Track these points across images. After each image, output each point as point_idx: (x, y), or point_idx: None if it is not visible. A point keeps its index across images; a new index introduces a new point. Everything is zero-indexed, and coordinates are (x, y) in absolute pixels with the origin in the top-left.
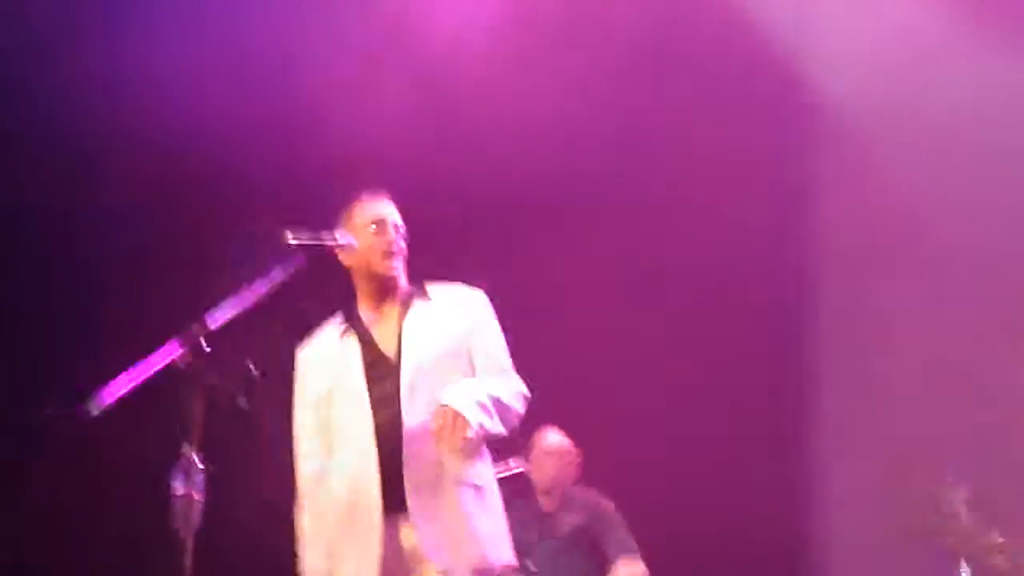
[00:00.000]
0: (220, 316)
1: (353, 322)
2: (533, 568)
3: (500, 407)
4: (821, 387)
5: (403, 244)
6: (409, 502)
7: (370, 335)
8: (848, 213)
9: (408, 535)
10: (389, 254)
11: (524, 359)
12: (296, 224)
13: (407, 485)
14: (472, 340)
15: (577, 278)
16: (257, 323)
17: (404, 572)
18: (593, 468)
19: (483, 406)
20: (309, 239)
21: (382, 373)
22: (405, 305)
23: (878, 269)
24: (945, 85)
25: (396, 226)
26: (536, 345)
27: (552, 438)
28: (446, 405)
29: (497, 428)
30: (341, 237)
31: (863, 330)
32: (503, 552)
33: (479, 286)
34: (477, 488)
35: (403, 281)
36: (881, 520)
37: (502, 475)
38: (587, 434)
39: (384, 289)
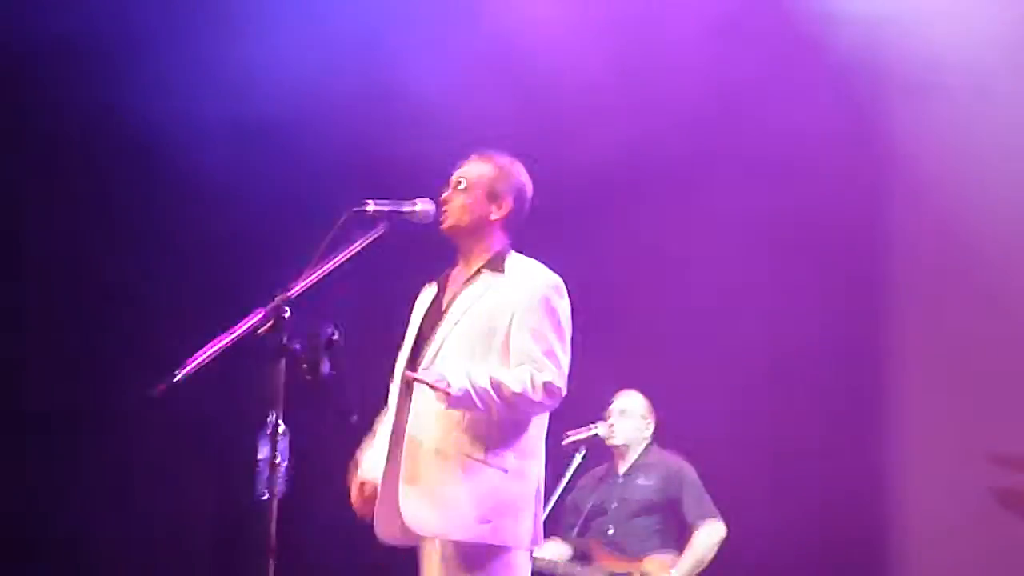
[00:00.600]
0: (302, 284)
1: (441, 277)
2: (611, 531)
3: (500, 392)
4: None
5: (461, 199)
6: (403, 466)
7: (441, 294)
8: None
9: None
10: (440, 211)
11: (615, 325)
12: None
13: (405, 448)
14: (513, 325)
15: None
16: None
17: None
18: (674, 432)
19: (476, 386)
20: (389, 207)
21: (426, 335)
22: (475, 275)
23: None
24: None
25: (456, 181)
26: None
27: (627, 400)
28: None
29: (490, 408)
30: (420, 204)
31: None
32: (495, 532)
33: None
34: (482, 466)
35: (486, 244)
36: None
37: (578, 438)
38: (668, 399)
39: (464, 250)
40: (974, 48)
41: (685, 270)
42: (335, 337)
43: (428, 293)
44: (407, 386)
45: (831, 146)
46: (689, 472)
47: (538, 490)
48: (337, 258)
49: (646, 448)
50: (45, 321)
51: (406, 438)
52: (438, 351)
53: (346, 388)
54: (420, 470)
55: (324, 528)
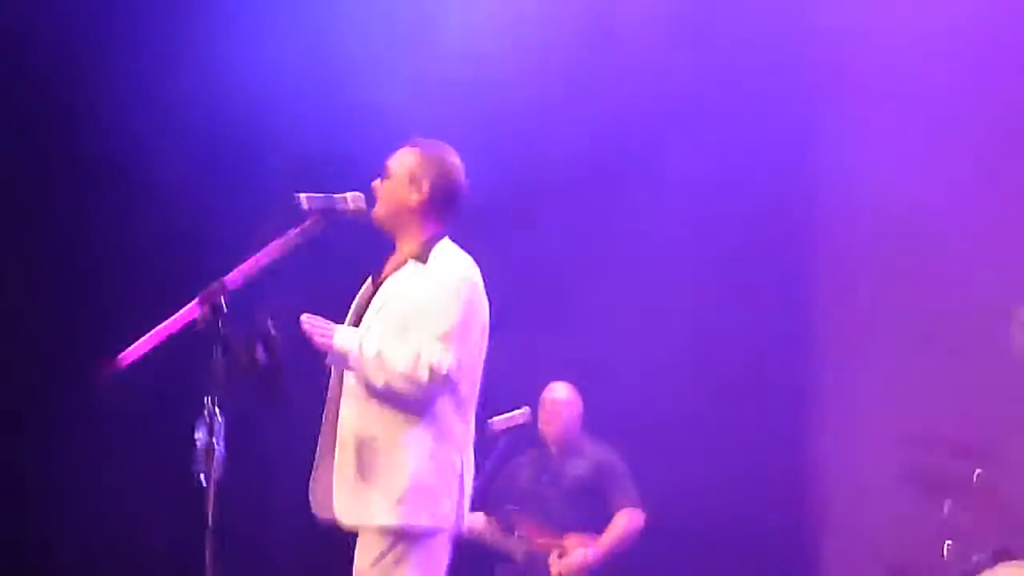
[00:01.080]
0: (239, 274)
1: (377, 269)
2: (539, 509)
3: (383, 363)
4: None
5: (389, 185)
6: (335, 455)
7: (372, 285)
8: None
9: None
10: (374, 214)
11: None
12: None
13: (332, 438)
14: (423, 309)
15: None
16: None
17: None
18: (598, 419)
19: (370, 360)
20: (321, 200)
21: (356, 323)
22: (402, 264)
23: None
24: None
25: (387, 171)
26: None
27: (559, 390)
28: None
29: (377, 380)
30: (351, 196)
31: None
32: (382, 510)
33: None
34: (392, 437)
35: (415, 232)
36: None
37: (508, 426)
38: (593, 385)
39: (396, 239)
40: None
41: (618, 266)
42: (271, 326)
43: (367, 284)
44: (340, 375)
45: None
46: (617, 461)
47: (460, 474)
48: (270, 249)
49: (577, 435)
50: None
51: (337, 426)
52: (372, 324)
53: (281, 375)
54: (343, 458)
55: (260, 510)
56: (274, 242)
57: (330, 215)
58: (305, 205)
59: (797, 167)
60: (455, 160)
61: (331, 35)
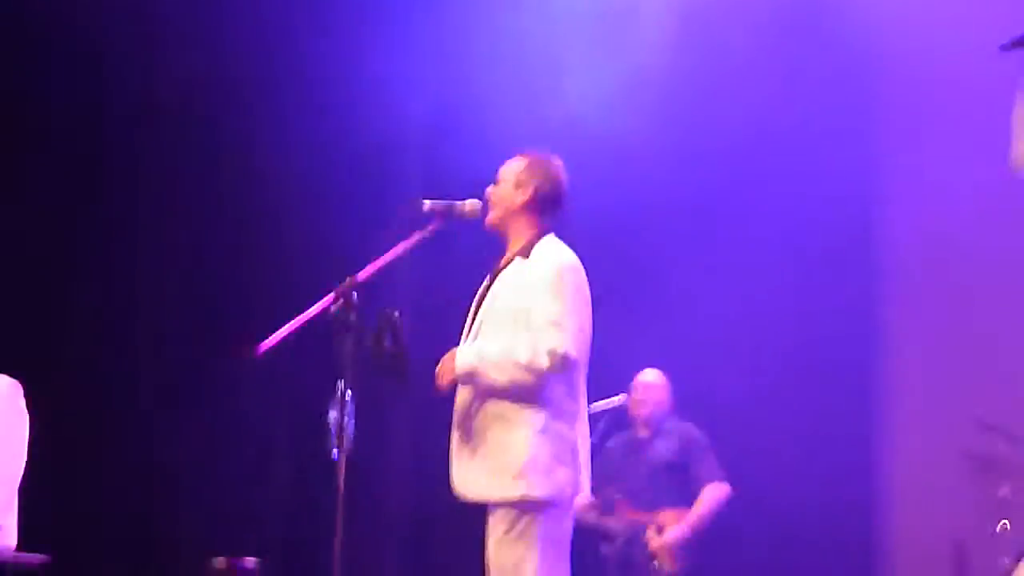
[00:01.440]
0: (368, 271)
1: (493, 266)
2: (633, 487)
3: (509, 363)
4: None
5: (502, 192)
6: (453, 436)
7: (489, 281)
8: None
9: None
10: (491, 208)
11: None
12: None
13: (454, 420)
14: (530, 300)
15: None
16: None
17: None
18: (685, 402)
19: (493, 363)
20: (445, 203)
21: (474, 318)
22: (511, 258)
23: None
24: None
25: (499, 180)
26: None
27: (648, 374)
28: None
29: (503, 376)
30: (468, 203)
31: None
32: (510, 486)
33: None
34: (509, 424)
35: (522, 232)
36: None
37: (604, 408)
38: (682, 371)
39: (505, 240)
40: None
41: (709, 273)
42: (396, 316)
43: (485, 282)
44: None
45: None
46: (702, 440)
47: (573, 448)
48: (397, 249)
49: (665, 417)
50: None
51: (456, 406)
52: (478, 332)
53: (408, 361)
54: (466, 439)
55: (389, 484)
56: (400, 243)
57: (450, 219)
58: (428, 209)
59: (861, 190)
60: (558, 165)
61: (464, 61)
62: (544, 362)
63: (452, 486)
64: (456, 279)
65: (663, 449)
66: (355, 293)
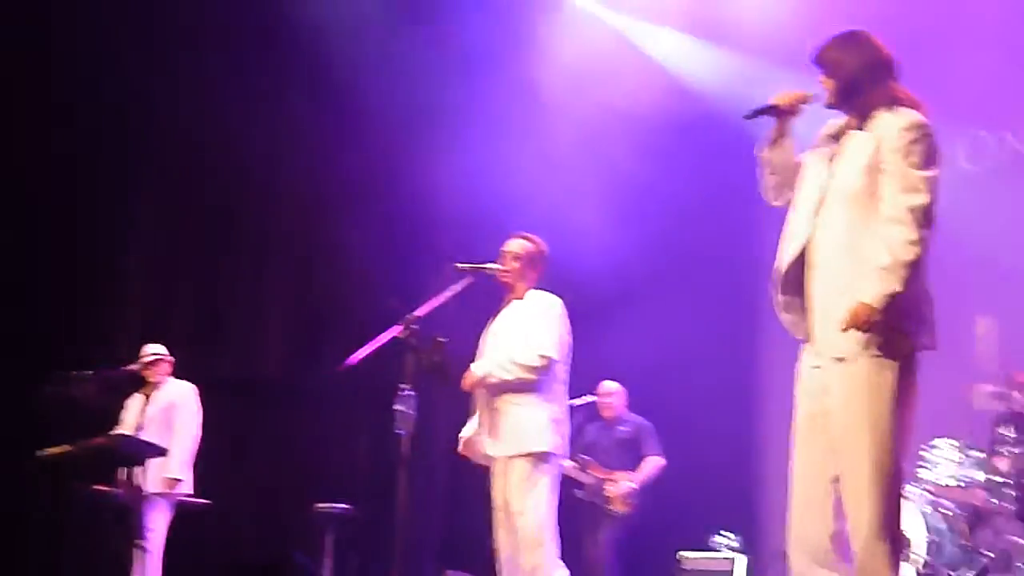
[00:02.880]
0: (423, 310)
1: (497, 308)
2: (600, 456)
3: (511, 364)
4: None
5: (514, 264)
6: (481, 418)
7: (495, 318)
8: None
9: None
10: (501, 271)
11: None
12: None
13: (478, 400)
14: (529, 324)
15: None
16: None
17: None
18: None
19: (499, 365)
20: (472, 266)
21: (487, 340)
22: (510, 302)
23: None
24: None
25: (506, 253)
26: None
27: (609, 385)
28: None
29: (508, 375)
30: (491, 266)
31: None
32: (523, 444)
33: None
34: (517, 406)
35: (522, 287)
36: None
37: (579, 404)
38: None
39: (507, 291)
40: None
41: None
42: (442, 341)
43: (493, 319)
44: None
45: None
46: (648, 427)
47: (558, 419)
48: (441, 295)
49: (622, 411)
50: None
51: (478, 401)
52: (491, 346)
53: (450, 371)
54: (488, 419)
55: (435, 453)
56: (445, 290)
57: (478, 275)
58: (462, 268)
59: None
60: (546, 247)
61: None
62: (536, 362)
63: (472, 453)
64: (482, 313)
65: (622, 432)
66: (415, 325)
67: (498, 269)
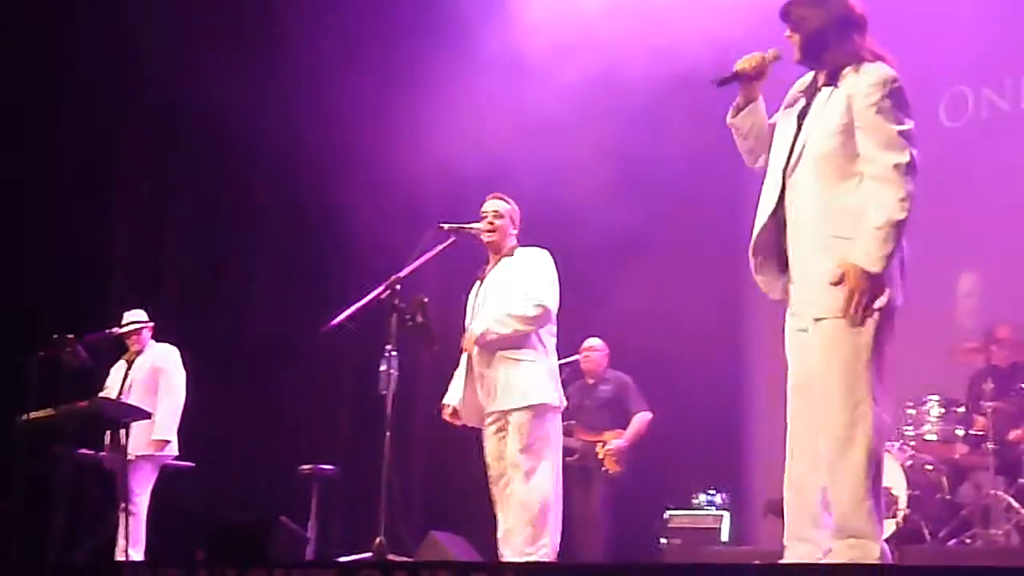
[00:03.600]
0: (406, 270)
1: (481, 269)
2: (585, 418)
3: (508, 318)
4: None
5: (498, 222)
6: (475, 370)
7: (482, 278)
8: None
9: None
10: (486, 231)
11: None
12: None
13: (475, 360)
14: (523, 277)
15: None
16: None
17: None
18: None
19: (496, 320)
20: (456, 225)
21: (477, 300)
22: (498, 261)
23: None
24: None
25: (488, 212)
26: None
27: (592, 341)
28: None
29: (506, 329)
30: (476, 226)
31: None
32: (524, 397)
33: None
34: (516, 362)
35: (507, 245)
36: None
37: (563, 363)
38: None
39: (493, 250)
40: None
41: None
42: (425, 301)
43: (477, 285)
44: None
45: None
46: (631, 383)
47: (553, 370)
48: (425, 256)
49: (604, 369)
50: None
51: (475, 360)
52: (483, 304)
53: (431, 330)
54: (486, 377)
55: (417, 414)
56: (428, 250)
57: (462, 236)
58: (447, 228)
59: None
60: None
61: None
62: (532, 311)
63: (467, 415)
64: (462, 275)
65: (604, 391)
66: (398, 285)
67: (483, 228)
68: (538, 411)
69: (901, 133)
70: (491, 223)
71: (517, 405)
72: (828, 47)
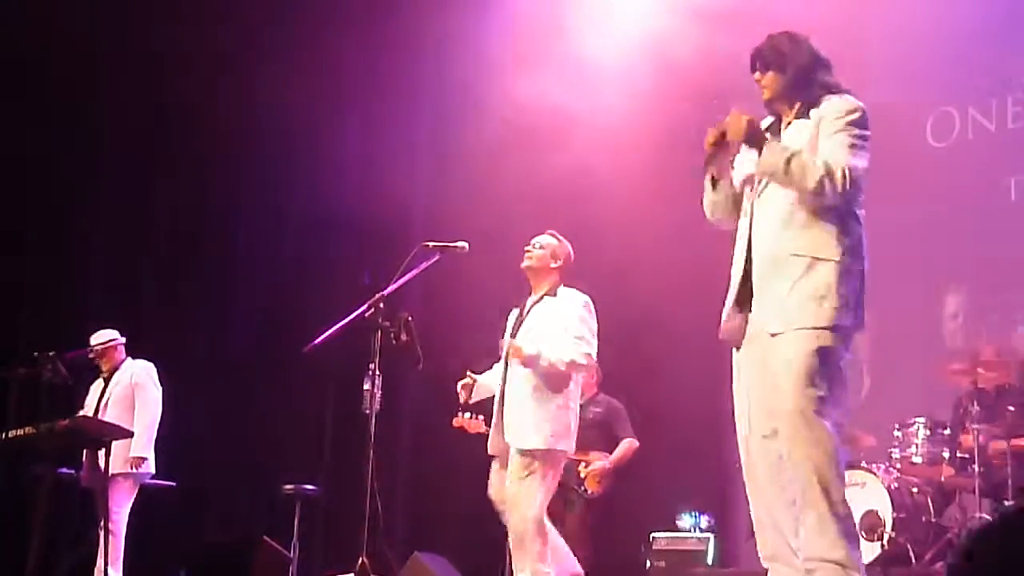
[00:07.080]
0: (390, 288)
1: (521, 302)
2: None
3: (556, 356)
4: None
5: (537, 252)
6: (505, 411)
7: (522, 312)
8: None
9: None
10: (525, 264)
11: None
12: None
13: (507, 389)
14: (566, 321)
15: None
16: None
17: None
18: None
19: (549, 348)
20: (440, 245)
21: (515, 331)
22: (541, 299)
23: None
24: None
25: (536, 243)
26: None
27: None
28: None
29: (557, 362)
30: (459, 245)
31: None
32: (533, 439)
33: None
34: (538, 400)
35: (548, 280)
36: None
37: None
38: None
39: (531, 279)
40: None
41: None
42: (409, 319)
43: (515, 311)
44: (506, 363)
45: None
46: (621, 408)
47: (574, 421)
48: (409, 275)
49: (596, 393)
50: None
51: (505, 392)
52: (526, 333)
53: (415, 349)
54: (514, 412)
55: (401, 433)
56: (412, 270)
57: (446, 254)
58: (431, 247)
59: None
60: (570, 248)
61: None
62: (582, 360)
63: (495, 442)
64: (449, 294)
65: (595, 412)
66: (381, 304)
67: (461, 248)
68: (549, 457)
69: (854, 147)
70: (528, 251)
71: (538, 446)
72: (806, 86)
